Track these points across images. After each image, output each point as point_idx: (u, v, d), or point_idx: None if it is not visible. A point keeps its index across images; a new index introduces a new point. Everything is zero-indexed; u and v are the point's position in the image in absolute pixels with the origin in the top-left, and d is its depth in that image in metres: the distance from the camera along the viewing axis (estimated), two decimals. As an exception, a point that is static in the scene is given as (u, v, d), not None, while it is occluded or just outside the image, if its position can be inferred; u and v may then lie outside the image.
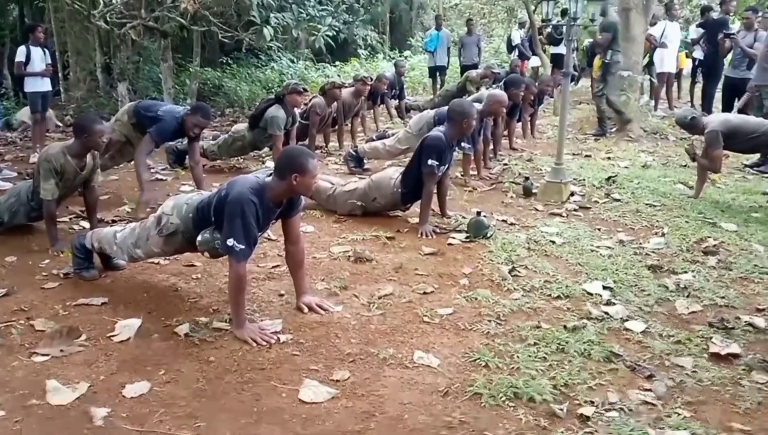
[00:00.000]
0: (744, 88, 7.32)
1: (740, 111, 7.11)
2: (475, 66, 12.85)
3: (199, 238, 2.98)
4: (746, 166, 6.70)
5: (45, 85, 7.37)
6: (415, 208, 4.66)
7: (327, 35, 8.34)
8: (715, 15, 10.10)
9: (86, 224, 4.38)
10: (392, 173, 4.69)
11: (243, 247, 2.78)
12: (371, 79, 7.93)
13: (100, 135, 3.84)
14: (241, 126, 6.53)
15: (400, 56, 18.55)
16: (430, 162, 4.32)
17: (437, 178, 4.46)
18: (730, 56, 9.09)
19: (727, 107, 8.24)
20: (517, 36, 13.56)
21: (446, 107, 5.53)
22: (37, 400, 2.35)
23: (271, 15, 7.85)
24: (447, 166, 4.54)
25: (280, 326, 2.94)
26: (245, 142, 6.32)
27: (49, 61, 7.41)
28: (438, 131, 4.50)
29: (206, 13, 8.31)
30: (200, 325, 2.95)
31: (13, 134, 9.05)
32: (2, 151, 7.50)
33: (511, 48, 13.86)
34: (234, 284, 2.85)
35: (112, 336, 2.85)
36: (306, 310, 3.10)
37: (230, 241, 2.77)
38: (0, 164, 6.47)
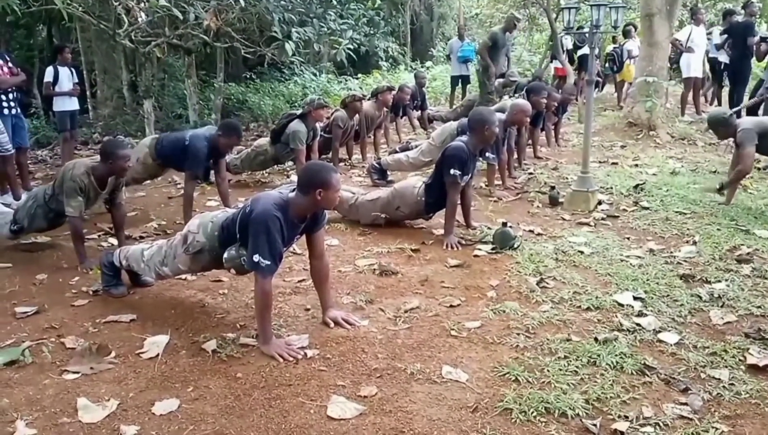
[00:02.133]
0: None
1: (749, 111, 7.02)
2: (503, 75, 12.83)
3: (225, 255, 3.00)
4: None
5: (73, 104, 7.51)
6: (439, 219, 4.64)
7: (348, 48, 8.35)
8: (739, 18, 9.95)
9: (114, 241, 4.44)
10: (415, 182, 4.68)
11: (269, 262, 2.78)
12: (394, 89, 7.93)
13: (125, 160, 3.91)
14: (263, 140, 6.59)
15: (422, 67, 18.59)
16: (452, 171, 4.30)
17: (460, 188, 4.44)
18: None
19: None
20: (569, 41, 13.24)
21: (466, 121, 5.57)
22: (68, 419, 2.37)
23: (293, 30, 7.89)
24: (470, 175, 4.52)
25: (307, 341, 2.93)
26: (267, 156, 6.37)
27: (77, 81, 7.55)
28: (460, 141, 4.48)
29: (229, 30, 8.39)
30: (227, 341, 2.95)
31: (43, 152, 9.24)
32: (33, 169, 7.63)
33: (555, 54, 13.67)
34: (260, 300, 2.85)
35: (141, 353, 2.87)
36: (332, 324, 3.09)
37: (256, 257, 2.78)
38: (30, 182, 6.58)
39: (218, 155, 5.07)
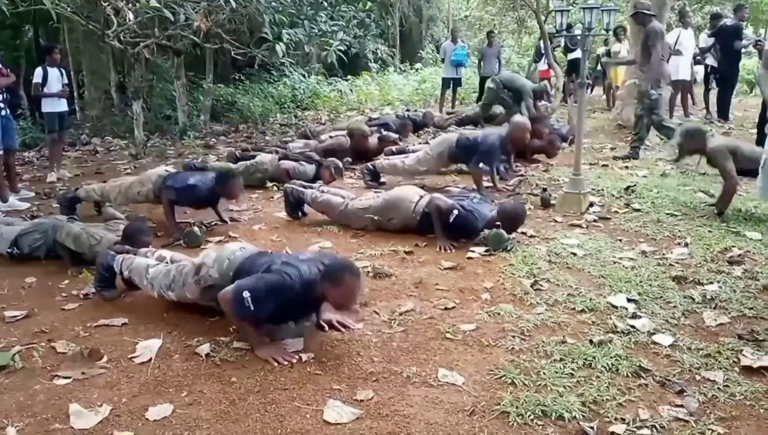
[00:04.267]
0: None
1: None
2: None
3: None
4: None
5: (62, 105, 7.43)
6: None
7: (339, 50, 8.32)
8: (728, 22, 10.03)
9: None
10: (412, 196, 4.61)
11: (252, 309, 2.72)
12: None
13: (146, 245, 3.89)
14: (266, 157, 6.55)
15: (411, 68, 18.62)
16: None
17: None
18: None
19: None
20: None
21: (467, 134, 5.68)
22: (60, 425, 2.34)
23: (284, 31, 7.87)
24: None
25: (302, 345, 2.91)
26: (266, 175, 6.38)
27: (66, 82, 7.48)
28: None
29: (219, 31, 8.36)
30: (221, 344, 2.93)
31: (31, 154, 9.15)
32: (20, 171, 7.55)
33: (539, 56, 13.70)
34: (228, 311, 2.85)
35: (134, 357, 2.84)
36: (327, 327, 3.08)
37: (245, 293, 2.72)
38: (18, 184, 6.51)
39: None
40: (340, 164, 6.39)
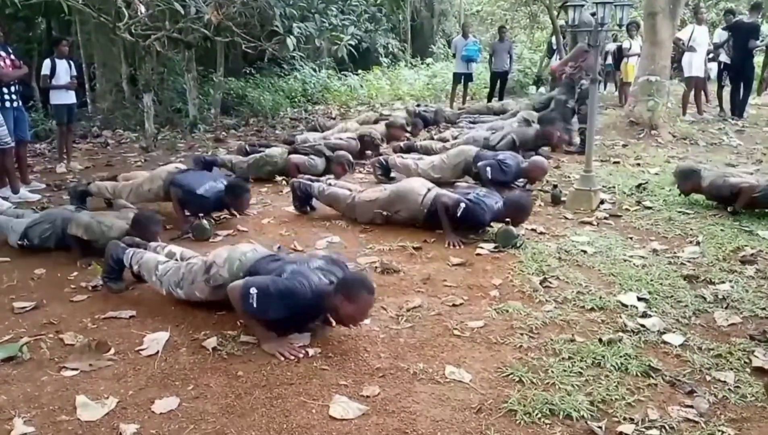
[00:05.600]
0: None
1: None
2: (506, 72, 12.81)
3: None
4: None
5: (70, 97, 7.43)
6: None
7: (349, 44, 8.31)
8: (745, 19, 9.91)
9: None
10: (420, 188, 4.59)
11: (255, 306, 2.73)
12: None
13: (155, 235, 3.90)
14: (276, 151, 6.52)
15: (422, 63, 18.55)
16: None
17: None
18: None
19: None
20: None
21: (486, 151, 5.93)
22: (67, 416, 2.34)
23: (294, 25, 7.85)
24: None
25: (309, 340, 2.90)
26: (276, 168, 6.35)
27: (75, 74, 7.48)
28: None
29: (229, 24, 8.34)
30: (228, 338, 2.92)
31: (42, 146, 9.19)
32: (31, 162, 7.58)
33: (551, 52, 13.61)
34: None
35: (141, 350, 2.84)
36: (334, 323, 3.06)
37: (252, 290, 2.73)
38: (29, 176, 6.53)
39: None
40: (351, 158, 6.37)
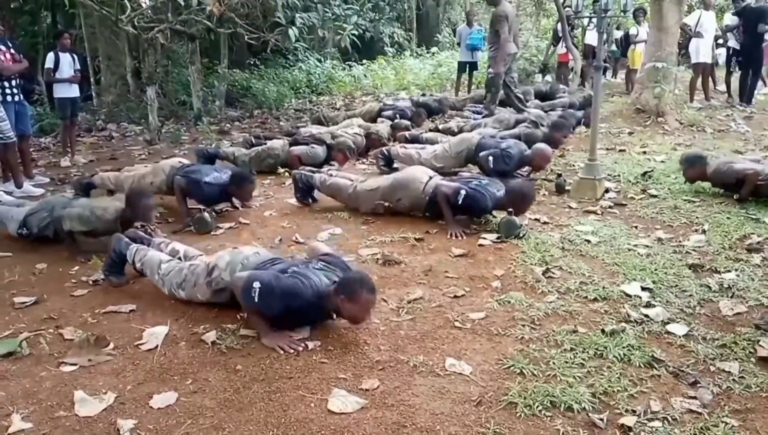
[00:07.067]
0: None
1: None
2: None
3: None
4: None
5: (73, 91, 7.43)
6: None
7: (353, 34, 8.28)
8: (753, 3, 9.79)
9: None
10: (421, 176, 4.58)
11: (256, 301, 2.72)
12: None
13: (149, 210, 3.90)
14: (278, 143, 6.50)
15: (428, 52, 18.44)
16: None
17: None
18: None
19: None
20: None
21: (489, 138, 5.83)
22: (65, 412, 2.33)
23: (297, 15, 7.82)
24: None
25: (308, 333, 2.88)
26: (278, 161, 6.33)
27: (78, 67, 7.47)
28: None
29: (232, 15, 8.31)
30: (227, 332, 2.91)
31: (47, 139, 9.20)
32: (35, 156, 7.60)
33: (557, 40, 13.46)
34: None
35: (140, 344, 2.83)
36: (334, 315, 3.04)
37: (256, 284, 2.72)
38: (33, 170, 6.54)
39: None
40: (351, 144, 6.33)
